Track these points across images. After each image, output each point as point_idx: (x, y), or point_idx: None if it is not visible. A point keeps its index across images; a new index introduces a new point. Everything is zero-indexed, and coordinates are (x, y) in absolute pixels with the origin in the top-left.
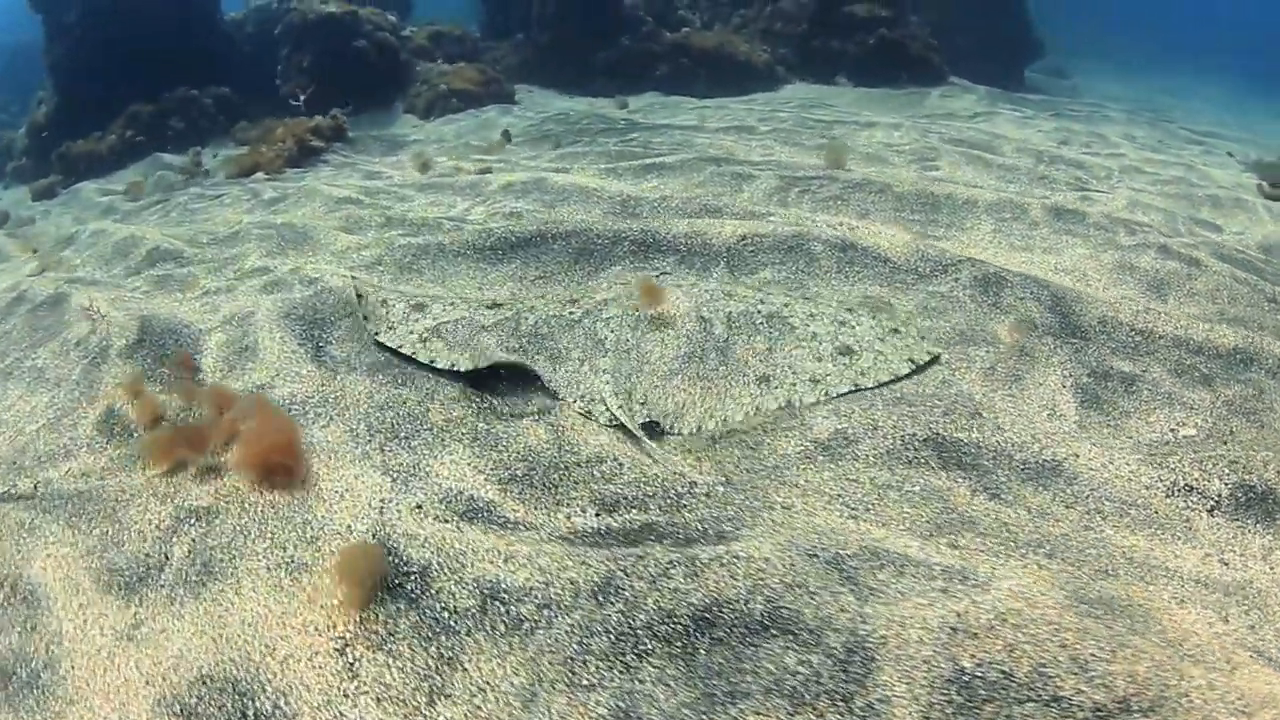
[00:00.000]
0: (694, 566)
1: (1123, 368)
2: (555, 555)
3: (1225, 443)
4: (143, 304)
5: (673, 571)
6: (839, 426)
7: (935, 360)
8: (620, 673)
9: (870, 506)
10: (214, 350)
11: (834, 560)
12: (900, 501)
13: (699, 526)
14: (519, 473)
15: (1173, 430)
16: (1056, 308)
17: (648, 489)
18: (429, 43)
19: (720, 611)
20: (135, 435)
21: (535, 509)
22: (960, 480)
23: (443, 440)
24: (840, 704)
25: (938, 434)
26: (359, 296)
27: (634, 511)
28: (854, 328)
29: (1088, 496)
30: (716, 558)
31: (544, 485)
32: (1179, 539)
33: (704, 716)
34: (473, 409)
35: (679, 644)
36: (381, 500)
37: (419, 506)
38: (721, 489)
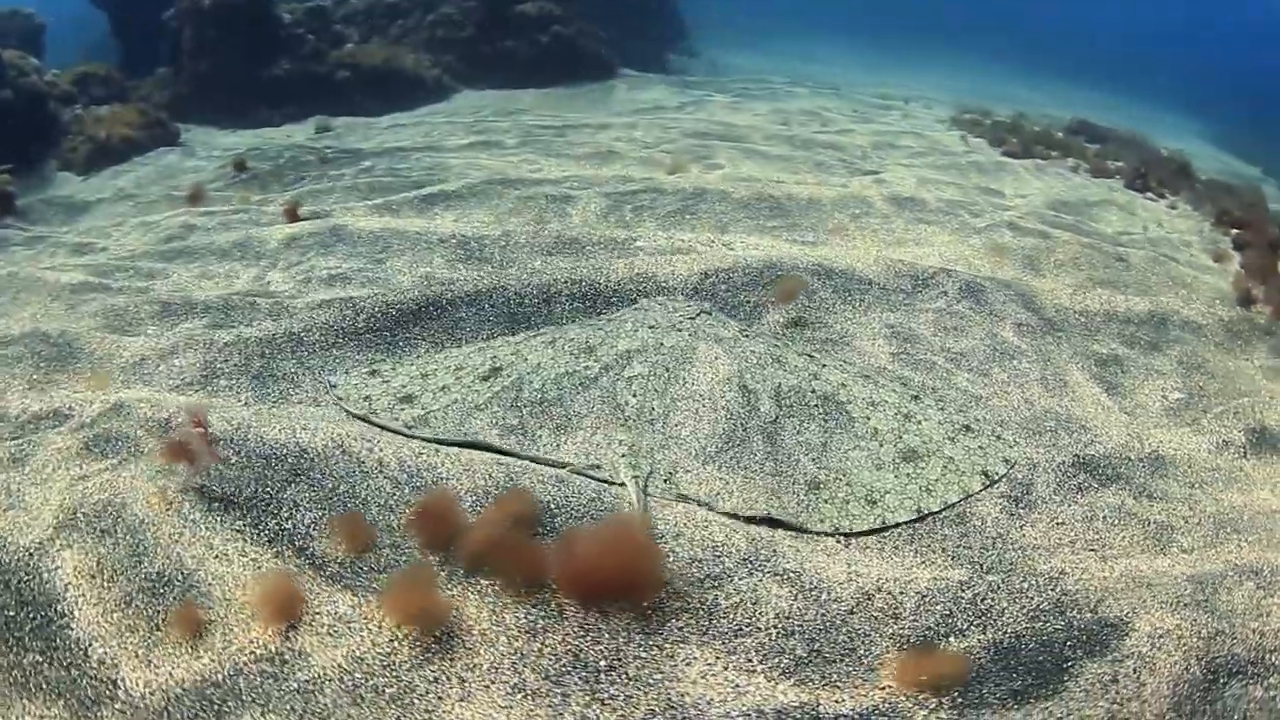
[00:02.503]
0: (1149, 664)
1: (1100, 350)
2: None
3: (1209, 397)
4: None
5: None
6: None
7: (1013, 464)
8: None
9: (1101, 542)
10: (86, 589)
11: (1204, 602)
12: (1110, 528)
13: (1051, 628)
14: (800, 652)
15: (1164, 396)
16: (1028, 305)
17: (941, 608)
18: (74, 86)
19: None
20: None
21: (850, 690)
22: (1120, 492)
23: (661, 648)
24: None
25: (1077, 455)
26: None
27: (953, 639)
28: (920, 423)
29: (1190, 474)
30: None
31: (837, 655)
32: (1254, 487)
33: None
34: None
35: None
36: None
37: None
38: (996, 579)
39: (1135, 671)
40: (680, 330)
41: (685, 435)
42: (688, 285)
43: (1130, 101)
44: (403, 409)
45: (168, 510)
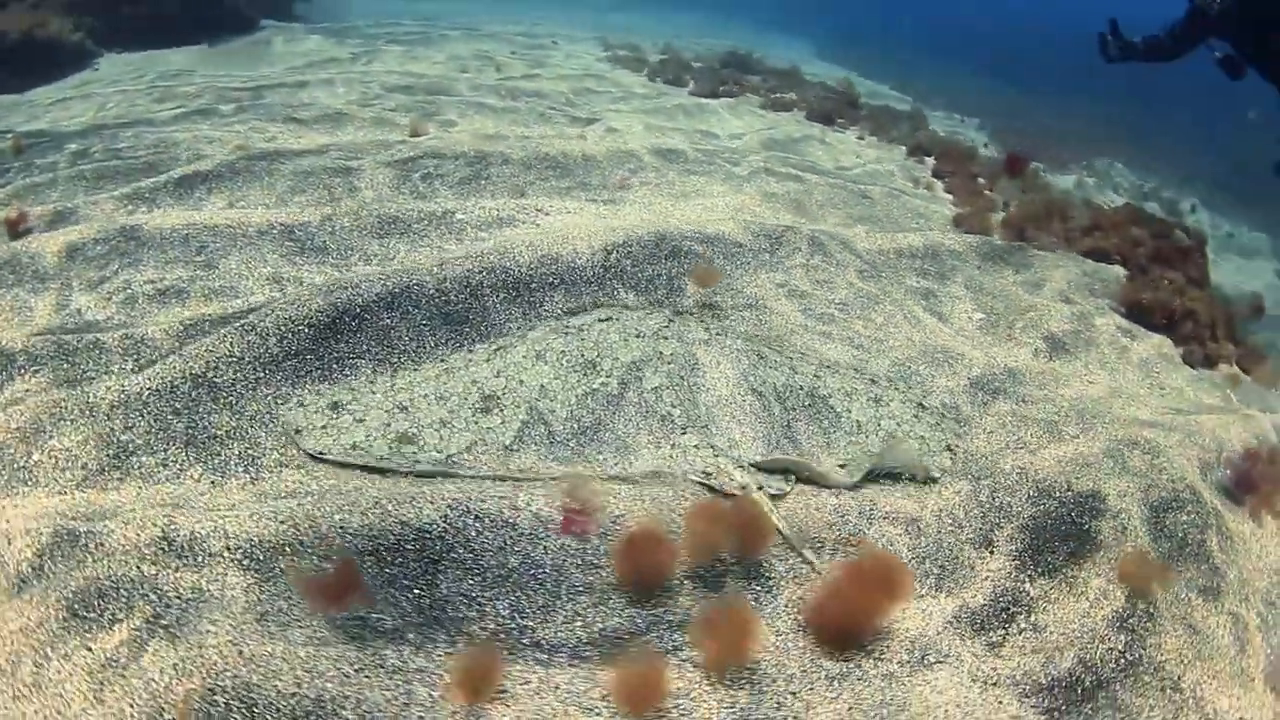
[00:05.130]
0: (1130, 514)
1: (913, 285)
2: None
3: (1002, 314)
4: None
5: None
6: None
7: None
8: None
9: (1022, 441)
10: None
11: (1124, 469)
12: (1019, 429)
13: (1052, 507)
14: (936, 572)
15: (970, 318)
16: (852, 251)
17: (977, 512)
18: None
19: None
20: None
21: (973, 588)
22: (1008, 401)
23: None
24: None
25: (968, 379)
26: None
27: (997, 532)
28: (888, 405)
29: (1032, 379)
30: (1125, 503)
31: (953, 566)
32: (1070, 381)
33: None
34: None
35: None
36: None
37: None
38: (989, 482)
39: (1129, 519)
40: (669, 339)
41: (739, 439)
42: (594, 264)
43: (738, 25)
44: (411, 450)
45: (355, 669)
